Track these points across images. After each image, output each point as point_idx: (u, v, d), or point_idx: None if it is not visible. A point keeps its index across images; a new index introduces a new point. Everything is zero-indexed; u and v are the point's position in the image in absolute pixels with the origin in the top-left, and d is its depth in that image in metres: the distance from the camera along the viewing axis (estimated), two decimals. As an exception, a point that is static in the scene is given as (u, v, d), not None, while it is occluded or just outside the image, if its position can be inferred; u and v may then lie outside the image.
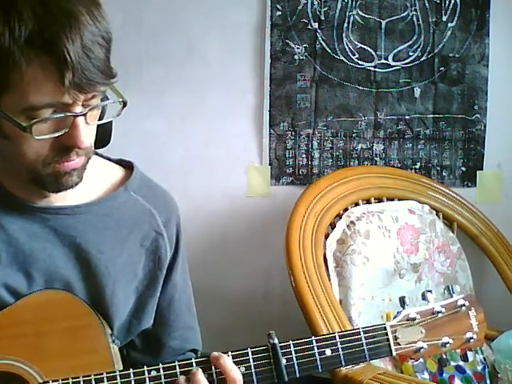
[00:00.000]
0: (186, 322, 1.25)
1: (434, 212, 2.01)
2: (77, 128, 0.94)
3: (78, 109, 0.93)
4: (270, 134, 2.15)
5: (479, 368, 1.81)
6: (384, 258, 1.84)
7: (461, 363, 1.78)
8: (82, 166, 1.01)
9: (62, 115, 0.92)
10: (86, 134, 0.96)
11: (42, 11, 0.88)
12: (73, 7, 0.89)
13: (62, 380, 0.96)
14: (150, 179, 1.21)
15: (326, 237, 1.83)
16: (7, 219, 1.04)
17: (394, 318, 1.10)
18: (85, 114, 0.94)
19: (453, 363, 1.77)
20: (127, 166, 1.19)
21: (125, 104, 1.00)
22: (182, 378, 1.00)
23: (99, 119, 1.02)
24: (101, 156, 1.17)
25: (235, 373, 1.01)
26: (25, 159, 0.97)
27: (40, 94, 0.90)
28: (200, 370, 1.00)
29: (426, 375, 1.74)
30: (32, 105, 0.90)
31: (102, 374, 0.97)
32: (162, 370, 0.98)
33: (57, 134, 0.94)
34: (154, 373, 0.98)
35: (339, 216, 1.88)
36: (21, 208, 1.05)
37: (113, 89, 0.99)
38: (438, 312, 1.10)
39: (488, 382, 1.80)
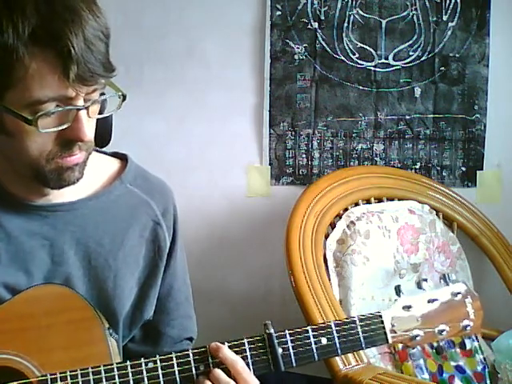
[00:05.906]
0: (184, 311, 1.26)
1: (434, 212, 2.01)
2: (80, 121, 0.96)
3: (80, 102, 0.95)
4: (270, 133, 2.15)
5: (479, 368, 1.80)
6: (384, 258, 1.84)
7: (461, 363, 1.78)
8: (83, 161, 1.03)
9: (66, 108, 0.94)
10: (88, 127, 0.98)
11: (44, 8, 0.90)
12: (74, 3, 0.92)
13: (60, 373, 0.96)
14: (144, 170, 1.22)
15: (326, 237, 1.83)
16: (6, 218, 1.05)
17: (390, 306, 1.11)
18: (87, 108, 0.96)
19: (453, 363, 1.77)
20: (122, 159, 1.20)
21: (124, 97, 1.01)
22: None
23: (99, 114, 1.03)
24: (95, 150, 1.17)
25: (238, 361, 1.01)
26: (28, 155, 0.98)
27: (44, 88, 0.91)
28: (218, 370, 1.00)
29: (426, 375, 1.73)
30: (36, 99, 0.92)
31: (100, 366, 0.97)
32: (158, 362, 0.99)
33: (60, 128, 0.95)
34: (150, 365, 0.98)
35: (339, 216, 1.88)
36: (20, 207, 1.06)
37: (111, 85, 1.01)
38: (434, 300, 1.11)
39: (488, 382, 1.80)
